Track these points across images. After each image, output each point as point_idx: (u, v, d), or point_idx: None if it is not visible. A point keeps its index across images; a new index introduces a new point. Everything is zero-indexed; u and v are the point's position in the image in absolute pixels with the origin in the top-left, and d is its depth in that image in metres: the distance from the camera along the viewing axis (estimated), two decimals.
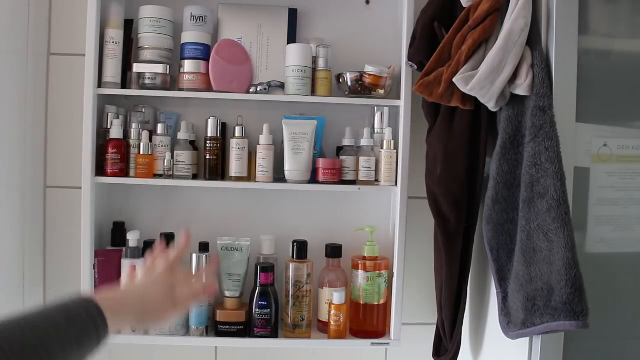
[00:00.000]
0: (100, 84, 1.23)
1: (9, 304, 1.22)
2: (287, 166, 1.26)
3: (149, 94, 1.24)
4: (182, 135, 1.27)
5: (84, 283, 1.23)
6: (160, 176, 1.26)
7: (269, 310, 1.24)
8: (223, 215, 1.37)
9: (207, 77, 1.26)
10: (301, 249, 1.28)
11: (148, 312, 0.78)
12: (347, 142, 1.29)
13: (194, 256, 1.25)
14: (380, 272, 1.28)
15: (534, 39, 0.98)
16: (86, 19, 1.20)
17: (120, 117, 1.27)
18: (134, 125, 1.26)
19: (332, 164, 1.26)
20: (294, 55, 1.26)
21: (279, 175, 1.28)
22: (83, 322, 0.67)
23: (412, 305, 1.38)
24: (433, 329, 1.27)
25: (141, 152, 1.24)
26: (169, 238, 1.26)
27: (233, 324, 1.26)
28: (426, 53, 1.15)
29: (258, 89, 1.27)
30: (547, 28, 0.99)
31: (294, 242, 1.29)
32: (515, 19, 0.97)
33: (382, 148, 1.27)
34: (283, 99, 1.27)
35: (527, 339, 0.98)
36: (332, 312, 1.26)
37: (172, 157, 1.26)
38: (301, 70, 1.25)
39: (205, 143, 1.27)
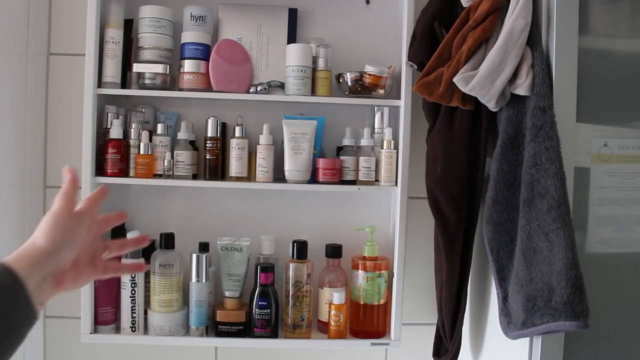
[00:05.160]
0: (100, 84, 1.23)
1: None
2: (287, 166, 1.25)
3: (149, 94, 1.24)
4: (182, 135, 1.27)
5: None
6: (160, 176, 1.26)
7: (269, 310, 1.24)
8: (223, 215, 1.37)
9: (207, 77, 1.26)
10: (301, 249, 1.28)
11: (62, 252, 0.70)
12: (347, 142, 1.29)
13: (194, 256, 1.25)
14: (380, 272, 1.28)
15: (534, 39, 0.98)
16: (86, 19, 1.20)
17: (120, 117, 1.27)
18: (133, 125, 1.26)
19: (332, 164, 1.26)
20: (294, 55, 1.26)
21: (279, 175, 1.28)
22: None
23: (412, 305, 1.38)
24: (433, 329, 1.27)
25: (141, 152, 1.24)
26: (168, 238, 1.26)
27: (233, 324, 1.26)
28: (426, 53, 1.15)
29: (258, 89, 1.27)
30: (547, 28, 0.99)
31: (294, 242, 1.29)
32: (515, 19, 0.97)
33: (382, 148, 1.27)
34: (283, 99, 1.27)
35: (527, 339, 0.98)
36: (332, 312, 1.26)
37: (172, 157, 1.26)
38: (301, 70, 1.25)
39: (205, 143, 1.27)
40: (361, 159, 1.27)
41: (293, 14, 1.34)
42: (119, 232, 1.31)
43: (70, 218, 0.71)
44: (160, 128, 1.26)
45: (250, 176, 1.29)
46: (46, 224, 0.69)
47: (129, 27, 1.29)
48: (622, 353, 1.08)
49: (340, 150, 1.33)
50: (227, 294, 1.28)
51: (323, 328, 1.30)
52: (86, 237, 0.74)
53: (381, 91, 1.28)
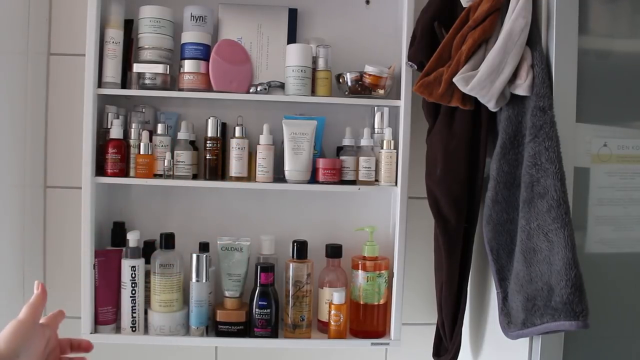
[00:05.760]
0: (100, 84, 1.23)
1: (9, 304, 1.22)
2: (287, 166, 1.26)
3: (149, 94, 1.24)
4: (182, 135, 1.27)
5: (84, 283, 1.23)
6: (160, 176, 1.26)
7: (269, 310, 1.25)
8: (223, 215, 1.37)
9: (207, 77, 1.26)
10: (301, 249, 1.28)
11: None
12: (347, 142, 1.29)
13: (194, 256, 1.25)
14: (380, 272, 1.28)
15: (534, 39, 0.98)
16: (86, 19, 1.20)
17: (120, 117, 1.27)
18: (134, 125, 1.26)
19: (332, 164, 1.26)
20: (294, 55, 1.26)
21: (279, 175, 1.28)
22: None
23: (412, 305, 1.38)
24: (433, 329, 1.27)
25: (141, 152, 1.24)
26: (168, 238, 1.26)
27: (233, 324, 1.26)
28: (426, 53, 1.16)
29: (258, 89, 1.27)
30: (547, 28, 0.99)
31: (294, 242, 1.29)
32: (515, 19, 0.97)
33: (382, 148, 1.27)
34: (283, 99, 1.27)
35: (527, 339, 0.98)
36: (332, 312, 1.26)
37: (172, 157, 1.26)
38: (301, 70, 1.25)
39: (205, 143, 1.27)
40: (361, 159, 1.27)
41: (293, 14, 1.34)
42: (119, 232, 1.31)
43: (33, 328, 0.74)
44: (160, 128, 1.26)
45: (250, 176, 1.29)
46: (9, 331, 0.72)
47: (129, 27, 1.29)
48: (622, 353, 1.08)
49: (340, 150, 1.33)
50: (227, 293, 1.28)
51: (323, 328, 1.30)
52: (44, 350, 0.77)
53: (381, 91, 1.28)
